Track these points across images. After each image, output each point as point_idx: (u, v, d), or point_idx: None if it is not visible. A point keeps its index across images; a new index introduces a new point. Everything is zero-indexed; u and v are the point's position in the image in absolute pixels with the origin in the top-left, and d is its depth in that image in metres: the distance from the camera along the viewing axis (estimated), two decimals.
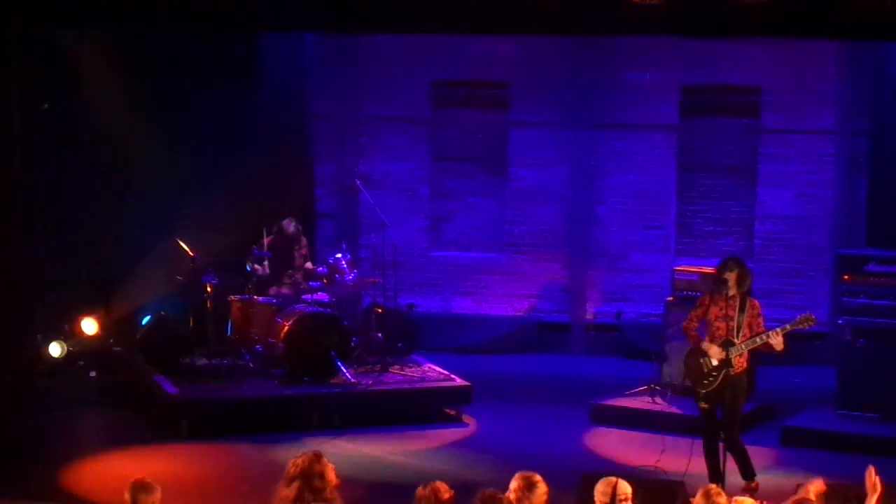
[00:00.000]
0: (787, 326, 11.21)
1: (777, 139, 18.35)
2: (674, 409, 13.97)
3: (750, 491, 11.26)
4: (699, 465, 11.83)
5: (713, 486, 8.18)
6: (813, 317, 11.23)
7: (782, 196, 18.39)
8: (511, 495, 7.70)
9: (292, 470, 7.75)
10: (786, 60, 18.02)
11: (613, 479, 7.95)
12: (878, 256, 14.14)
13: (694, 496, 8.16)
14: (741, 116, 18.57)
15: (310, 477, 7.66)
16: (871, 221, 17.16)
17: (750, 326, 11.30)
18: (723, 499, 7.84)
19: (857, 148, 17.93)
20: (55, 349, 15.48)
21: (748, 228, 18.59)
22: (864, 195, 17.62)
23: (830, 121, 18.20)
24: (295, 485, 7.68)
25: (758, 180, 18.47)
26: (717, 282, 11.38)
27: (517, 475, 7.75)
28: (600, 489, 7.93)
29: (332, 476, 7.76)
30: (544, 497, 7.77)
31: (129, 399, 14.72)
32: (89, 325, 15.77)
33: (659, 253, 18.63)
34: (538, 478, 7.75)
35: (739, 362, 11.35)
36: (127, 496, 7.60)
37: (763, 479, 11.67)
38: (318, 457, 7.80)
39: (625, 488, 7.88)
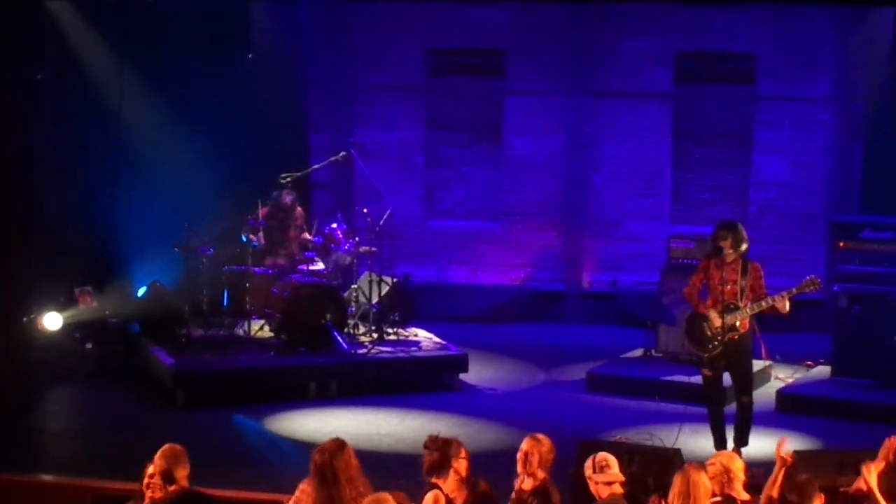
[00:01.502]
0: (794, 290, 11.22)
1: (772, 106, 18.33)
2: (670, 377, 13.99)
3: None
4: (693, 434, 11.88)
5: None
6: (818, 280, 11.24)
7: (777, 163, 18.39)
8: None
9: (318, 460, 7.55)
10: (781, 27, 18.02)
11: (602, 454, 8.05)
12: (872, 223, 14.14)
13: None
14: (736, 83, 18.55)
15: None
16: (865, 188, 17.18)
17: (753, 289, 11.29)
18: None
19: (852, 115, 17.93)
20: (52, 321, 15.48)
21: (743, 196, 18.59)
22: (858, 162, 17.63)
23: (825, 88, 18.19)
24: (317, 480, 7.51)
25: (753, 147, 18.48)
26: (714, 250, 11.38)
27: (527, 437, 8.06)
28: (588, 463, 8.04)
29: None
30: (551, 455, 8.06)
31: (125, 370, 14.73)
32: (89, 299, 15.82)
33: (654, 221, 18.63)
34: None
35: (742, 324, 11.35)
36: (160, 463, 7.60)
37: (758, 444, 11.70)
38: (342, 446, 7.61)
39: (612, 462, 7.95)
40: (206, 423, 12.71)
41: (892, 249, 13.73)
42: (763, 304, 11.21)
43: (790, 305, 11.21)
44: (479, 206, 19.20)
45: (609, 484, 7.98)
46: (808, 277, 11.28)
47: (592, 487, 8.03)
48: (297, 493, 7.67)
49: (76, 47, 15.90)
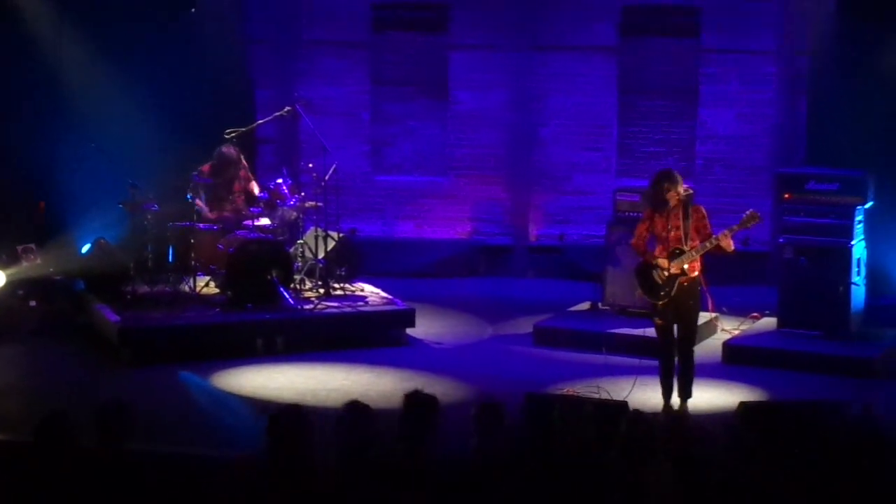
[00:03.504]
0: (735, 227, 11.34)
1: (717, 59, 18.36)
2: (616, 329, 14.03)
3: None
4: (641, 385, 11.94)
5: None
6: (758, 214, 11.33)
7: (723, 116, 18.44)
8: None
9: None
10: None
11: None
12: (817, 174, 14.21)
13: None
14: (681, 37, 18.56)
15: None
16: (811, 140, 17.25)
17: (698, 231, 11.35)
18: None
19: (797, 67, 17.97)
20: None
21: (689, 149, 18.64)
22: (804, 114, 17.69)
23: (770, 40, 18.21)
24: None
25: (698, 100, 18.51)
26: (660, 203, 11.37)
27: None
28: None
29: None
30: None
31: (70, 328, 14.62)
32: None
33: (600, 174, 18.66)
34: None
35: (692, 267, 11.39)
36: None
37: (704, 395, 11.78)
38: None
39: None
40: (153, 380, 12.65)
41: (836, 201, 13.81)
42: (707, 244, 11.29)
43: (734, 244, 11.34)
44: (426, 161, 19.15)
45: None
46: (748, 212, 11.38)
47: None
48: None
49: (15, 2, 15.71)
